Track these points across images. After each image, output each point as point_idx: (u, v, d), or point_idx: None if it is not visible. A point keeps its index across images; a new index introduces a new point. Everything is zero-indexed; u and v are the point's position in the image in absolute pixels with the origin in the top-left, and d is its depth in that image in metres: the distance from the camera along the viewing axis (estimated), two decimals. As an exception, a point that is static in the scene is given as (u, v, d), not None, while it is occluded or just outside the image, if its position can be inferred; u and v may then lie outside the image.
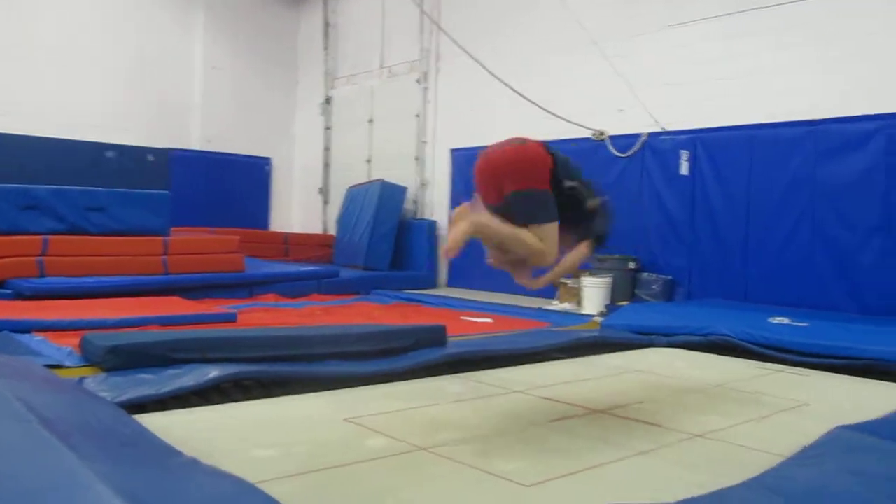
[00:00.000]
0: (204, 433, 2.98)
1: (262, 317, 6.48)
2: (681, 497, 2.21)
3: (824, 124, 6.84)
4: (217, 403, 3.47)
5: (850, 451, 2.74)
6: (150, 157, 11.50)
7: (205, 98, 12.21)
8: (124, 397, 3.16)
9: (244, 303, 7.38)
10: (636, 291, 7.78)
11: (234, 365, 3.70)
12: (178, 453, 2.17)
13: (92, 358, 3.78)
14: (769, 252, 7.14)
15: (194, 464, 2.08)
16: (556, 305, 8.10)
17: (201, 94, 12.19)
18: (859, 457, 2.66)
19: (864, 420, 3.21)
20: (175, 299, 6.74)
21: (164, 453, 2.14)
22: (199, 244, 8.06)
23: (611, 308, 7.12)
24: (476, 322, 6.61)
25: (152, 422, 2.92)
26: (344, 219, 11.20)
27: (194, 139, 12.14)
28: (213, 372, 3.53)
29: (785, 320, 5.59)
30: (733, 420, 3.50)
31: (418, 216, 11.03)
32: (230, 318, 6.05)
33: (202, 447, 2.69)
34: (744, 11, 7.53)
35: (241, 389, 3.69)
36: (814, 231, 6.84)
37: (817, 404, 3.91)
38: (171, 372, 3.59)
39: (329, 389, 3.82)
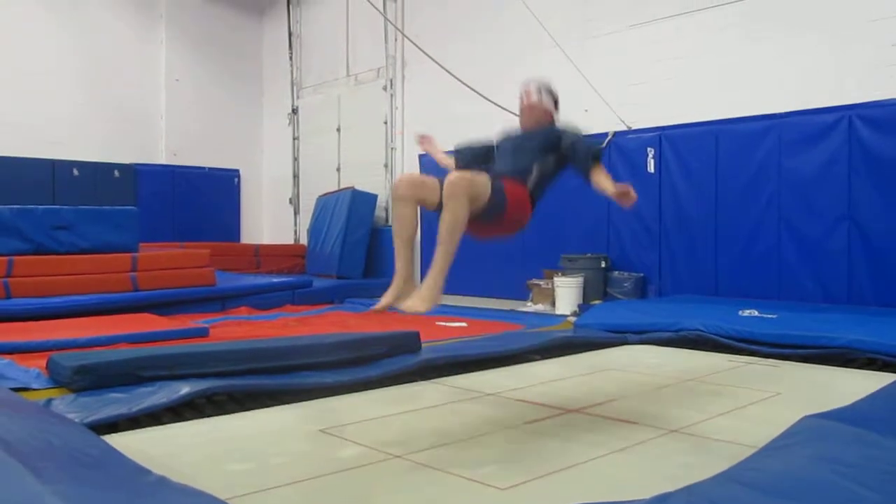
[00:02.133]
0: (176, 450, 2.95)
1: (235, 330, 6.42)
2: (656, 493, 2.22)
3: (787, 117, 6.93)
4: (190, 420, 3.44)
5: (819, 439, 2.77)
6: (116, 173, 11.38)
7: (169, 111, 12.11)
8: (94, 417, 3.11)
9: (216, 317, 7.31)
10: (608, 290, 7.83)
11: (206, 380, 3.65)
12: (147, 472, 2.14)
13: (60, 379, 3.71)
14: (737, 245, 7.22)
15: (163, 482, 2.05)
16: (529, 307, 8.12)
17: (166, 107, 12.09)
18: (828, 444, 2.69)
19: (834, 408, 3.25)
20: (145, 316, 6.66)
21: (133, 473, 2.11)
22: (168, 259, 7.97)
23: (584, 307, 7.15)
24: (451, 327, 6.60)
25: (122, 441, 2.89)
26: (315, 228, 11.15)
27: (160, 153, 12.05)
28: (184, 388, 3.49)
29: (754, 312, 5.65)
30: (707, 414, 3.53)
31: (389, 223, 11.01)
32: (202, 333, 5.98)
33: (174, 464, 2.67)
34: (703, 9, 7.63)
35: (214, 405, 3.65)
36: (780, 223, 6.92)
37: (788, 394, 3.96)
38: (142, 390, 3.54)
39: (304, 400, 3.80)
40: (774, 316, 5.52)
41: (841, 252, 6.57)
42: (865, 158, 6.44)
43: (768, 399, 3.86)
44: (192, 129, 12.31)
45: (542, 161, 3.69)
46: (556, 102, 4.04)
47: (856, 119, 6.49)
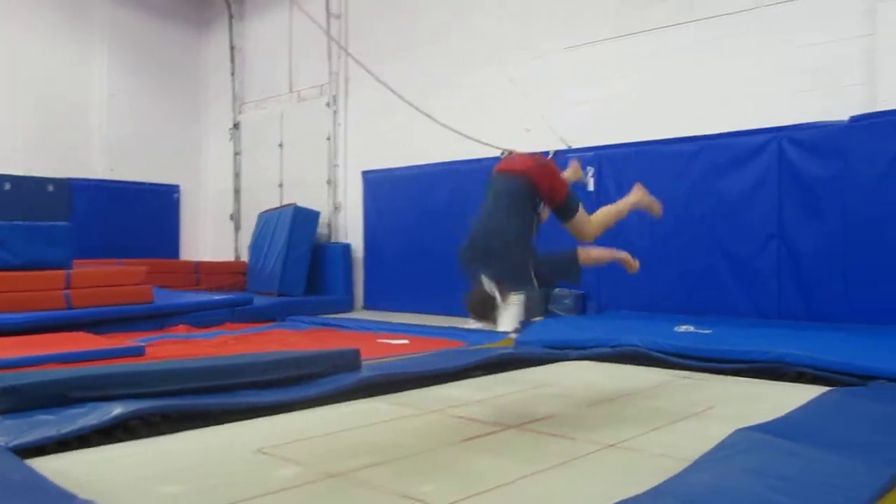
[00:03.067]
0: (106, 473, 2.86)
1: (173, 349, 6.29)
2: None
3: (719, 139, 7.14)
4: (122, 441, 3.34)
5: (749, 451, 2.84)
6: (50, 188, 11.07)
7: (106, 125, 11.85)
8: (19, 441, 3.00)
9: (154, 335, 7.15)
10: (550, 307, 7.91)
11: (139, 401, 3.56)
12: (73, 497, 2.08)
13: (-16, 401, 3.58)
14: (673, 263, 7.38)
15: (90, 507, 2.00)
16: (472, 324, 8.12)
17: (102, 121, 11.82)
18: (759, 457, 2.77)
19: (765, 420, 3.34)
20: (78, 335, 6.49)
21: (57, 498, 2.04)
22: (103, 276, 7.78)
23: (525, 324, 7.21)
24: (393, 344, 6.59)
25: (50, 465, 2.80)
26: (256, 245, 11.02)
27: (97, 168, 11.76)
28: (116, 409, 3.39)
29: (690, 328, 5.78)
30: (643, 428, 3.58)
31: (332, 240, 10.96)
32: (138, 352, 5.85)
33: (104, 488, 2.59)
34: (638, 33, 7.83)
35: (148, 426, 3.55)
36: (713, 241, 7.11)
37: (722, 408, 4.05)
38: (71, 412, 3.42)
39: (241, 420, 3.74)
40: (709, 331, 5.66)
41: (771, 269, 6.78)
42: (794, 179, 6.67)
43: (702, 413, 3.94)
44: (130, 143, 12.06)
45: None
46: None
47: (784, 141, 6.72)
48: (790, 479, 2.50)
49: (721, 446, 2.93)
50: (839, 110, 6.51)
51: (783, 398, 4.12)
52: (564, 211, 4.08)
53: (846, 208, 6.37)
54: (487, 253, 3.72)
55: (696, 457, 2.86)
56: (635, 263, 4.33)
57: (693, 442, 3.20)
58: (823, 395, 4.06)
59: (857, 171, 6.32)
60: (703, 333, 5.60)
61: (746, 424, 3.21)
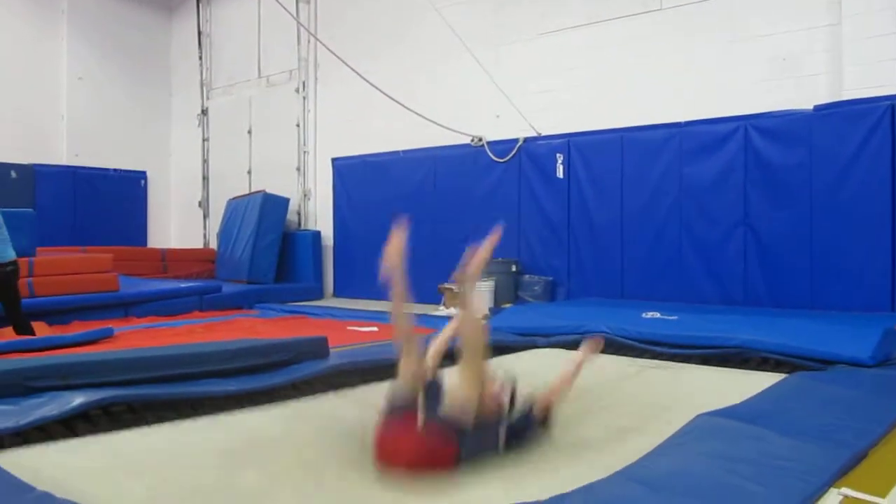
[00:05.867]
0: (67, 465, 2.82)
1: (138, 337, 6.21)
2: (557, 493, 2.27)
3: (688, 126, 7.19)
4: (84, 433, 3.28)
5: (710, 436, 2.88)
6: (14, 174, 10.84)
7: (71, 111, 11.63)
8: (-23, 432, 2.95)
9: (120, 324, 7.06)
10: (519, 293, 7.94)
11: (101, 390, 3.49)
12: (31, 489, 2.04)
13: (-59, 392, 3.50)
14: (641, 250, 7.44)
15: (47, 499, 1.96)
16: (442, 311, 8.15)
17: (67, 106, 11.61)
18: (720, 441, 2.80)
19: (727, 405, 3.38)
20: (39, 324, 6.37)
21: (13, 490, 2.01)
22: (68, 264, 7.65)
23: (494, 311, 7.23)
24: (362, 331, 6.57)
25: (8, 458, 2.75)
26: (225, 232, 10.91)
27: (62, 154, 11.55)
28: (77, 399, 3.33)
29: (657, 315, 5.82)
30: (608, 415, 3.62)
31: (302, 227, 10.89)
32: (107, 334, 5.78)
33: (63, 480, 2.55)
34: (608, 20, 7.85)
35: (110, 416, 3.50)
36: (681, 228, 7.17)
37: (685, 393, 4.10)
38: (31, 402, 3.35)
39: (206, 410, 3.69)
40: (675, 318, 5.70)
41: (737, 256, 6.86)
42: (759, 166, 6.74)
43: (667, 398, 3.98)
44: (95, 129, 11.86)
45: None
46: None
47: (751, 129, 6.79)
48: (749, 462, 2.53)
49: (683, 431, 2.97)
50: (805, 99, 6.59)
51: (746, 383, 4.17)
52: None
53: (811, 196, 6.46)
54: None
55: (659, 441, 2.89)
56: (598, 345, 3.71)
57: (657, 427, 3.24)
58: (784, 380, 4.13)
59: (821, 159, 6.40)
60: (669, 320, 5.65)
61: (709, 409, 3.25)
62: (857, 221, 6.21)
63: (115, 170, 12.04)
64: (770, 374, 4.58)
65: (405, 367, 2.94)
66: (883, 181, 6.12)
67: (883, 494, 2.36)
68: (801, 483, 2.33)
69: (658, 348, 5.25)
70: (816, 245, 6.43)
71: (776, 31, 6.86)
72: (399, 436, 2.74)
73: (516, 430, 2.96)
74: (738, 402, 3.51)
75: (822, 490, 2.34)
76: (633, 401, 3.93)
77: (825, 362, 4.58)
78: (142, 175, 12.50)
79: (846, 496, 2.33)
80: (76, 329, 6.29)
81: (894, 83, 6.17)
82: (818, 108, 6.46)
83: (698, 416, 3.11)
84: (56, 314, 7.03)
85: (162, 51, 12.98)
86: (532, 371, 4.86)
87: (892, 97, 6.10)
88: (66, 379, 3.50)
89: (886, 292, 6.10)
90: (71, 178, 11.41)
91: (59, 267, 7.52)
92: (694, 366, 5.00)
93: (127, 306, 7.80)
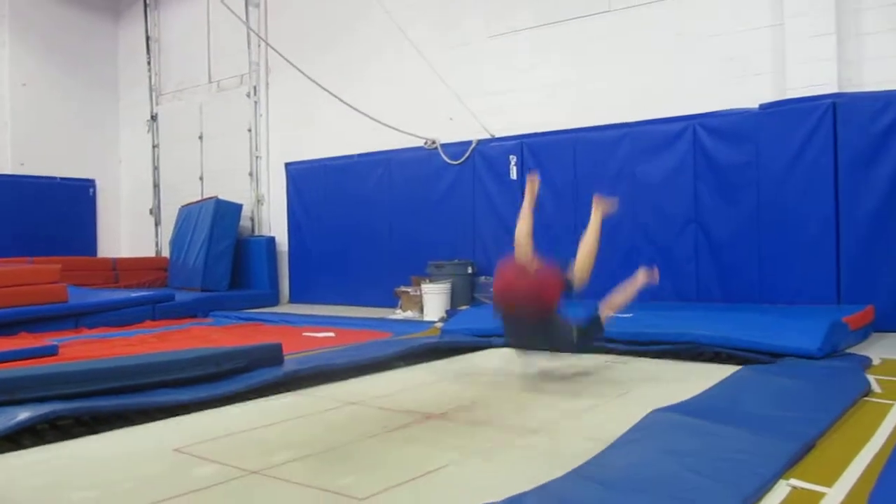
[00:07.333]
0: (14, 479, 2.75)
1: (88, 349, 6.06)
2: (514, 493, 2.26)
3: (638, 126, 7.28)
4: (31, 447, 3.21)
5: (665, 431, 2.92)
6: (-45, 184, 10.55)
7: (15, 118, 11.34)
8: (-84, 451, 2.86)
9: (69, 336, 6.90)
10: (476, 295, 7.96)
11: (48, 404, 3.42)
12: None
13: None
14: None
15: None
16: (398, 314, 8.14)
17: (11, 113, 11.32)
18: (672, 437, 2.84)
19: (680, 400, 3.43)
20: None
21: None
22: (13, 276, 7.45)
23: (452, 313, 7.24)
24: (318, 337, 6.52)
25: (-50, 475, 2.67)
26: (177, 240, 10.74)
27: (6, 162, 11.25)
28: (22, 414, 3.25)
29: (612, 312, 5.87)
30: (565, 412, 3.64)
31: (256, 233, 10.76)
32: (51, 352, 5.64)
33: (10, 495, 2.50)
34: (558, 22, 7.91)
35: (58, 430, 3.43)
36: (635, 226, 7.25)
37: (641, 389, 4.15)
38: (-26, 418, 3.27)
39: (158, 420, 3.64)
40: (629, 315, 5.75)
41: (689, 253, 6.96)
42: (709, 165, 6.86)
43: (622, 395, 4.03)
44: (41, 137, 11.57)
45: None
46: None
47: (699, 128, 6.90)
48: (701, 456, 2.57)
49: (637, 427, 3.00)
50: (751, 98, 6.72)
51: (699, 378, 4.24)
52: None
53: (758, 193, 6.59)
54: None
55: (613, 439, 2.92)
56: (654, 274, 4.77)
57: (613, 424, 3.26)
58: (733, 374, 4.20)
59: (767, 157, 6.53)
60: (624, 317, 5.68)
61: (664, 405, 3.29)
62: (803, 217, 6.35)
63: (62, 178, 11.76)
64: (721, 366, 4.68)
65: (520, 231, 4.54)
66: (826, 177, 6.27)
67: (829, 484, 2.41)
68: (751, 476, 2.37)
69: (613, 345, 5.30)
70: (764, 241, 6.56)
71: (722, 32, 6.99)
72: (518, 272, 4.26)
73: (588, 328, 4.31)
74: (691, 396, 3.56)
75: (771, 482, 2.38)
76: (588, 397, 3.97)
77: (774, 355, 4.68)
78: (90, 183, 12.24)
79: (795, 487, 2.37)
80: (24, 342, 6.13)
81: (836, 82, 6.34)
82: (763, 107, 6.60)
83: (652, 411, 3.15)
84: (2, 327, 6.84)
85: (109, 56, 12.73)
86: (486, 371, 4.89)
87: (833, 95, 6.26)
88: (11, 393, 3.41)
89: (832, 286, 6.25)
90: (16, 186, 11.10)
91: (4, 279, 7.32)
92: (648, 360, 5.09)
93: (77, 317, 7.62)
